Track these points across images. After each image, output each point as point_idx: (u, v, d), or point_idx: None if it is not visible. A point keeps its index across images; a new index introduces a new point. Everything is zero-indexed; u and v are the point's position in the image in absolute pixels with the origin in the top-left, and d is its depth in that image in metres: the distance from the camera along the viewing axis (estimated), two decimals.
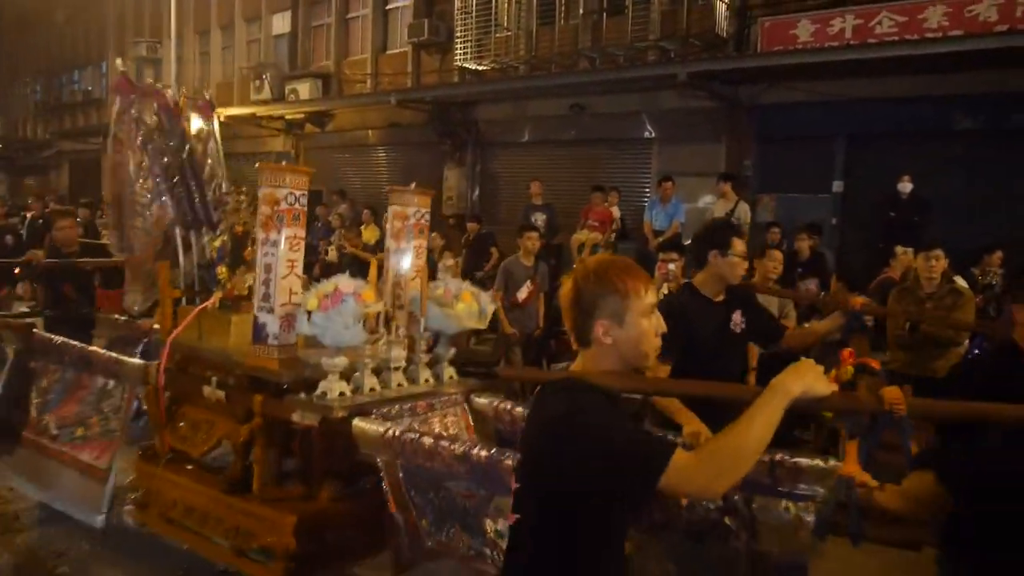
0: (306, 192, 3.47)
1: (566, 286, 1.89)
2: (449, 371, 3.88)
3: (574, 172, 12.68)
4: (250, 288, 3.80)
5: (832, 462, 2.40)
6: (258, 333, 3.40)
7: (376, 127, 16.39)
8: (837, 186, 10.36)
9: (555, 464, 1.73)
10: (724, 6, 10.86)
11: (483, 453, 2.76)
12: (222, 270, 4.01)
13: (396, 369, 3.57)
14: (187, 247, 4.26)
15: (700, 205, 10.77)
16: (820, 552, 2.29)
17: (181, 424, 3.92)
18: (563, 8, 12.66)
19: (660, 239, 9.11)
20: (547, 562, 1.79)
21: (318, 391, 3.30)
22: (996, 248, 7.59)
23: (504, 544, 2.27)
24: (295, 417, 3.28)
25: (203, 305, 3.92)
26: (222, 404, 3.68)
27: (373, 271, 3.95)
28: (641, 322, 1.83)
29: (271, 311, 3.36)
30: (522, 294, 7.16)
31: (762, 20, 10.46)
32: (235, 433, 3.58)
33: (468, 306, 3.77)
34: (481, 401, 3.73)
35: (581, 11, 12.37)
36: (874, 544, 2.11)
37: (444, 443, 2.92)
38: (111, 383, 4.26)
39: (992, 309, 6.54)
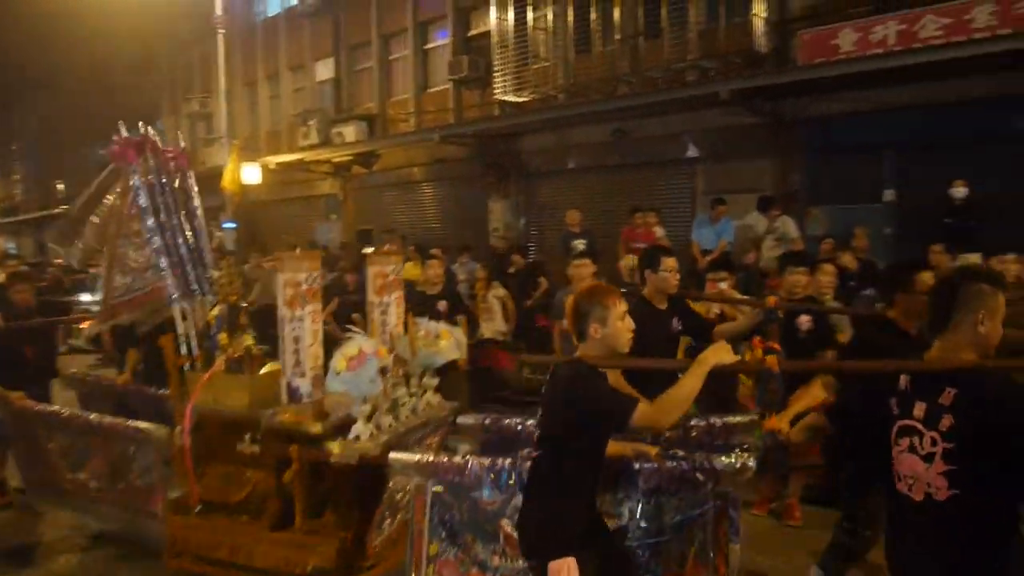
0: (320, 272, 4.19)
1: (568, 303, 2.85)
2: (435, 397, 4.44)
3: (619, 197, 12.61)
4: (247, 349, 4.41)
5: (749, 418, 3.82)
6: (293, 394, 4.02)
7: (421, 164, 16.63)
8: (888, 195, 10.11)
9: (562, 412, 2.73)
10: (762, 21, 10.76)
11: (506, 461, 3.37)
12: (223, 336, 4.45)
13: (403, 405, 4.14)
14: (184, 317, 4.53)
15: (747, 223, 10.59)
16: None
17: (208, 478, 4.32)
18: (600, 35, 12.72)
19: (708, 259, 8.96)
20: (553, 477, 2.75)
21: (351, 434, 3.81)
22: None
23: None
24: (334, 459, 3.76)
25: (212, 370, 4.30)
26: (255, 456, 4.14)
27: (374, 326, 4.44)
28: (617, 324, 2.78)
29: (303, 375, 4.00)
30: None
31: (801, 33, 10.33)
32: (267, 479, 4.08)
33: (449, 341, 4.35)
34: (467, 419, 4.36)
35: (618, 36, 12.42)
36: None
37: (472, 459, 3.52)
38: (132, 448, 4.61)
39: None
